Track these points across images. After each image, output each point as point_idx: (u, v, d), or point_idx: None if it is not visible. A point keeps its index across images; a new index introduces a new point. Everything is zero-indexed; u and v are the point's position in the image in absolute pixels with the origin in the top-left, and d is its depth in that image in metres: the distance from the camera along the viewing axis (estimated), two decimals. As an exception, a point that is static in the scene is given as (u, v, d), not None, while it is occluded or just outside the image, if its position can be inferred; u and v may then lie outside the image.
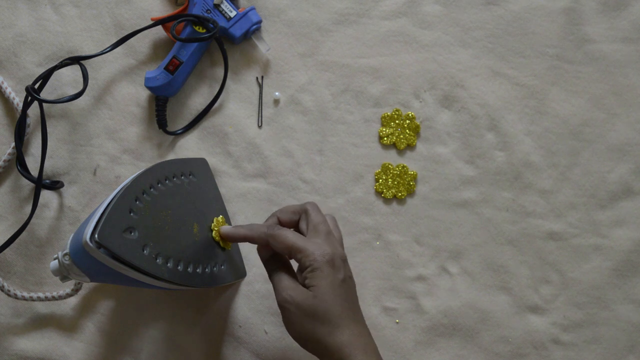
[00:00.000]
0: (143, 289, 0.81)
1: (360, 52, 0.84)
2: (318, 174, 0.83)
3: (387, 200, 0.83)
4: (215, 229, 0.73)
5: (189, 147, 0.84)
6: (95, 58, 0.84)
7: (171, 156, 0.84)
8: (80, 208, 0.84)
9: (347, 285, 0.65)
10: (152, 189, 0.67)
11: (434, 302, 0.81)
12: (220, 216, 0.74)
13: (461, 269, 0.82)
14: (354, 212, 0.83)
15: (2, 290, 0.81)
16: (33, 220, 0.83)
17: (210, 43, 0.84)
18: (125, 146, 0.84)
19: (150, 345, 0.82)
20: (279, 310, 0.65)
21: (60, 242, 0.83)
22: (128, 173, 0.84)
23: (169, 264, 0.65)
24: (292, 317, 0.64)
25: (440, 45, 0.84)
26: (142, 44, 0.85)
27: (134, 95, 0.85)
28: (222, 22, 0.82)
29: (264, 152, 0.84)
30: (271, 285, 0.67)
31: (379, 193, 0.83)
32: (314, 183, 0.83)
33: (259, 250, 0.69)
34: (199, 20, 0.81)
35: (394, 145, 0.83)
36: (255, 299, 0.82)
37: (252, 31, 0.83)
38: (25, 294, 0.81)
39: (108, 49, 0.81)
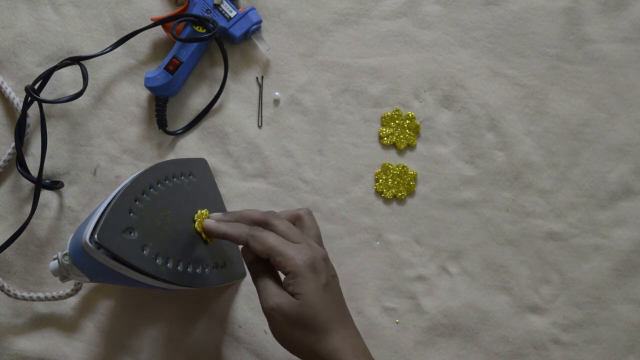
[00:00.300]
0: (143, 289, 0.81)
1: (360, 52, 0.84)
2: (318, 174, 0.83)
3: (387, 200, 0.83)
4: (198, 219, 0.71)
5: (189, 147, 0.84)
6: (95, 58, 0.84)
7: (171, 156, 0.84)
8: (80, 208, 0.84)
9: (331, 287, 0.64)
10: (151, 189, 0.67)
11: (434, 302, 0.82)
12: (205, 209, 0.72)
13: (461, 269, 0.82)
14: (354, 212, 0.83)
15: (2, 290, 0.81)
16: (33, 220, 0.83)
17: (210, 43, 0.84)
18: (125, 146, 0.84)
19: (150, 345, 0.82)
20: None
21: (60, 242, 0.83)
22: (128, 173, 0.84)
23: (168, 264, 0.65)
24: (279, 325, 0.63)
25: (440, 45, 0.84)
26: (142, 44, 0.85)
27: (134, 95, 0.85)
28: (222, 22, 0.82)
29: (264, 152, 0.84)
30: None
31: (379, 193, 0.83)
32: (314, 183, 0.83)
33: (243, 252, 0.67)
34: (199, 20, 0.81)
35: (394, 145, 0.83)
36: (255, 299, 0.82)
37: (252, 31, 0.83)
38: (25, 294, 0.81)
39: (108, 49, 0.81)
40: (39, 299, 0.81)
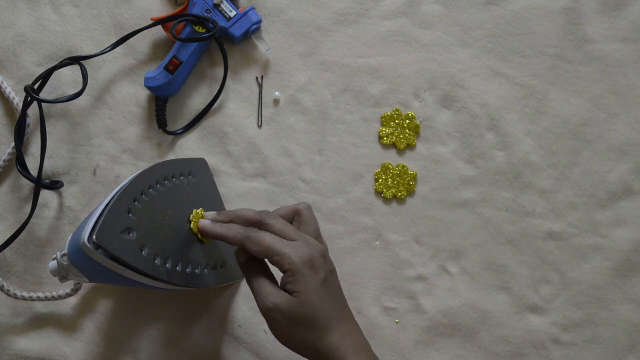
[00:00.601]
0: (143, 289, 0.81)
1: (360, 52, 0.84)
2: (318, 174, 0.83)
3: (387, 200, 0.83)
4: (194, 220, 0.70)
5: (189, 147, 0.84)
6: (95, 58, 0.84)
7: (171, 156, 0.84)
8: (80, 208, 0.84)
9: (330, 282, 0.64)
10: (151, 190, 0.67)
11: (434, 302, 0.81)
12: (201, 209, 0.71)
13: (461, 269, 0.82)
14: (354, 212, 0.83)
15: (2, 290, 0.81)
16: (33, 220, 0.83)
17: (210, 43, 0.84)
18: (125, 146, 0.84)
19: (150, 345, 0.82)
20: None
21: (60, 242, 0.83)
22: (128, 173, 0.84)
23: (167, 265, 0.65)
24: (278, 325, 0.63)
25: (440, 45, 0.84)
26: (142, 44, 0.85)
27: (134, 95, 0.85)
28: (222, 22, 0.82)
29: (264, 152, 0.84)
30: None
31: (379, 193, 0.83)
32: (314, 183, 0.83)
33: (237, 253, 0.67)
34: (199, 20, 0.81)
35: (394, 145, 0.83)
36: (255, 299, 0.82)
37: (252, 31, 0.83)
38: (25, 294, 0.81)
39: (108, 49, 0.81)
40: (39, 299, 0.81)
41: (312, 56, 0.84)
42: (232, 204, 0.83)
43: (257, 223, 0.66)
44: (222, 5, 0.82)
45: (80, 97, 0.80)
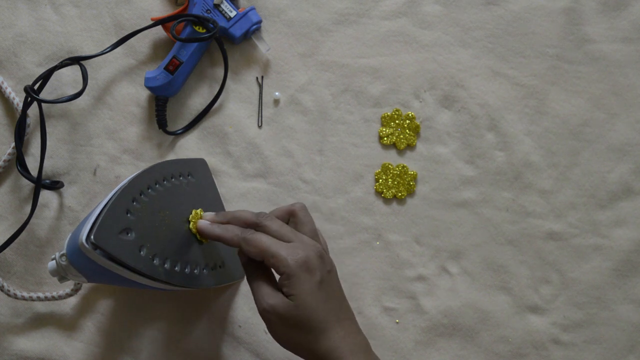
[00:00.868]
0: (142, 289, 0.81)
1: (360, 52, 0.84)
2: (318, 174, 0.83)
3: (387, 200, 0.83)
4: (193, 220, 0.70)
5: (189, 147, 0.84)
6: (95, 58, 0.84)
7: (171, 156, 0.84)
8: (80, 208, 0.84)
9: (326, 283, 0.64)
10: (149, 190, 0.67)
11: (434, 302, 0.81)
12: (200, 209, 0.71)
13: (461, 269, 0.82)
14: (354, 212, 0.83)
15: (2, 290, 0.81)
16: (33, 220, 0.83)
17: (210, 43, 0.84)
18: (125, 146, 0.84)
19: (150, 345, 0.82)
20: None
21: (60, 242, 0.83)
22: (128, 173, 0.84)
23: (166, 265, 0.65)
24: (275, 327, 0.63)
25: (440, 45, 0.84)
26: (142, 44, 0.85)
27: (134, 95, 0.85)
28: (222, 22, 0.82)
29: (264, 152, 0.84)
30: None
31: (379, 193, 0.83)
32: (314, 183, 0.83)
33: (239, 252, 0.67)
34: (199, 20, 0.81)
35: (394, 145, 0.83)
36: (254, 298, 0.82)
37: (252, 31, 0.83)
38: (25, 294, 0.81)
39: (108, 49, 0.82)
40: (39, 299, 0.81)
41: (312, 56, 0.84)
42: (232, 204, 0.83)
43: (254, 224, 0.66)
44: (222, 5, 0.82)
45: (80, 97, 0.80)
